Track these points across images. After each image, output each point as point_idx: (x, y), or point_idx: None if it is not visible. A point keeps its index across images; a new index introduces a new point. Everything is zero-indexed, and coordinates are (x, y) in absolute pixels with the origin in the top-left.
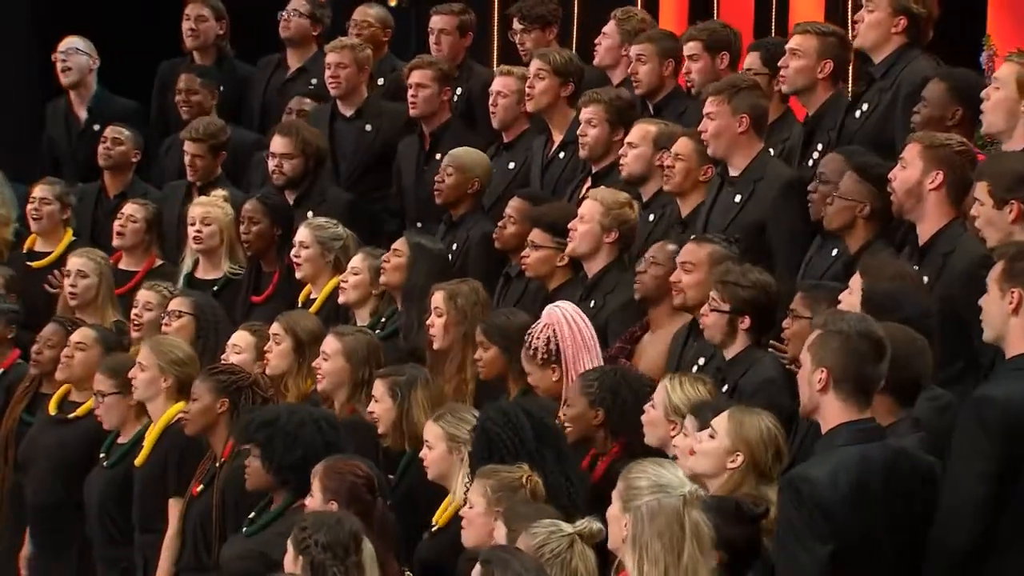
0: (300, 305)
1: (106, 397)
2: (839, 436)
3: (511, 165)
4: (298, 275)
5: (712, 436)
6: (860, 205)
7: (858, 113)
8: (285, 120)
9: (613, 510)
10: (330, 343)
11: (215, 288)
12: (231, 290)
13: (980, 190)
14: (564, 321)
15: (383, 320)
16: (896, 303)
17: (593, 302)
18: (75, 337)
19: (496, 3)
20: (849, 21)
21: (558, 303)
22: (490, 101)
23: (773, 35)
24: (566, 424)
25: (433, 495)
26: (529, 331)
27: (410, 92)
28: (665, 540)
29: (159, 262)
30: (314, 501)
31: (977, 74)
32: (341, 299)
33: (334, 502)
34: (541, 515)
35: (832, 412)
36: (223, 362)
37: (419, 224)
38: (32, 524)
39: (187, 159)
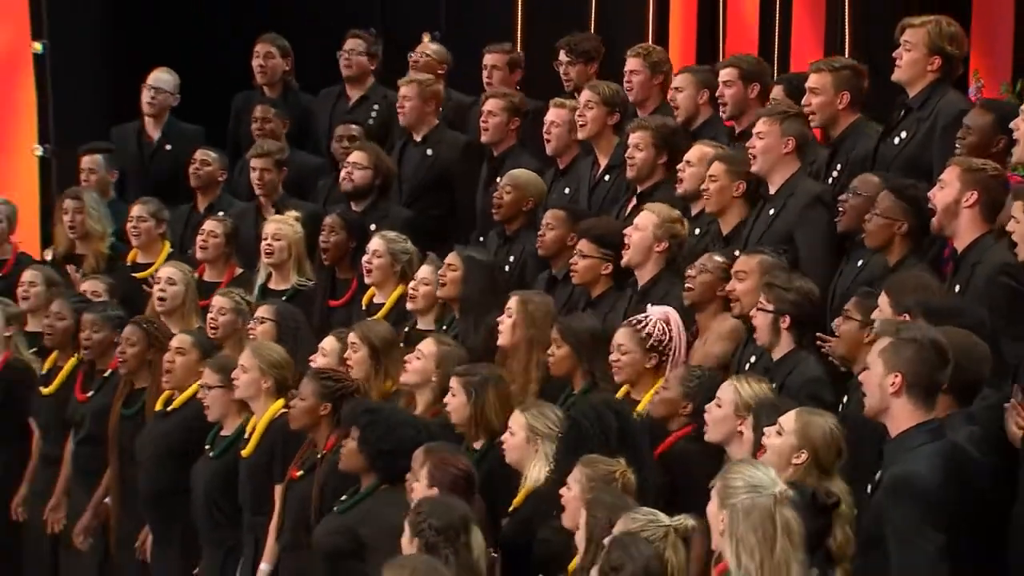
0: (364, 308)
1: (212, 390)
2: (916, 437)
3: (567, 190)
4: (367, 280)
5: (779, 433)
6: (899, 223)
7: (896, 140)
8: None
9: (712, 507)
10: (428, 345)
11: (284, 298)
12: (300, 300)
13: (1017, 208)
14: (676, 324)
15: (444, 328)
16: (956, 311)
17: (649, 306)
18: (175, 343)
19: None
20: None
21: (668, 309)
22: (544, 130)
23: (776, 66)
24: (655, 402)
25: (505, 482)
26: (644, 317)
27: (482, 119)
28: (759, 535)
29: (239, 271)
30: (419, 486)
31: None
32: (409, 306)
33: (436, 489)
34: (620, 503)
35: (903, 414)
36: (332, 368)
37: (481, 239)
38: (143, 510)
39: (254, 175)
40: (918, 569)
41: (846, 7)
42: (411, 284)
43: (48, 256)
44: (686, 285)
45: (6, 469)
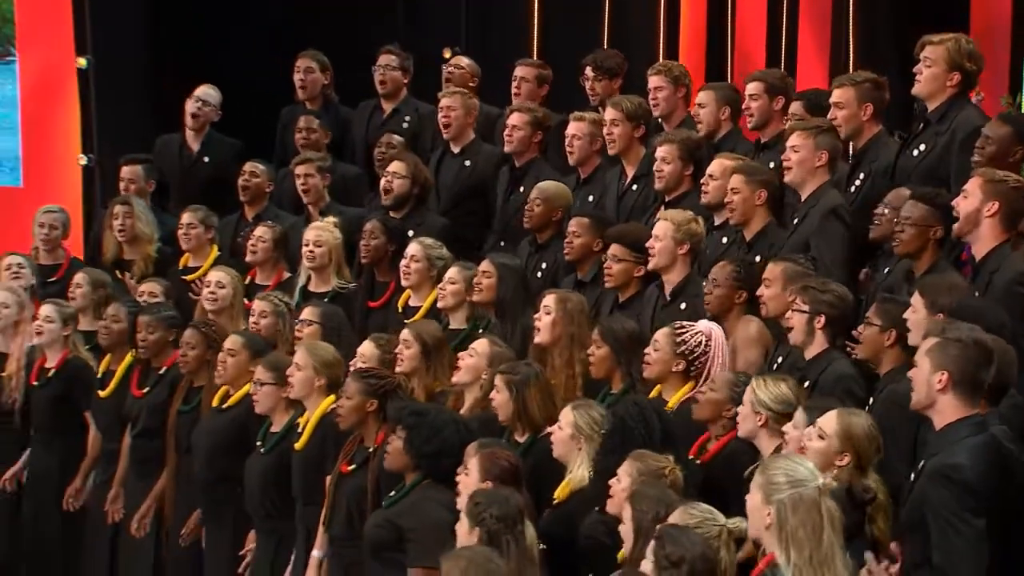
0: (400, 310)
1: (264, 386)
2: (960, 430)
3: (590, 197)
4: (404, 283)
5: (821, 437)
6: (933, 228)
7: (915, 152)
8: (402, 149)
9: (754, 501)
10: (482, 345)
11: (324, 300)
12: (339, 302)
13: None
14: (718, 341)
15: (480, 330)
16: (978, 314)
17: (684, 304)
18: (227, 344)
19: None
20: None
21: (713, 326)
22: (566, 143)
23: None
24: (701, 402)
25: (548, 476)
26: (688, 326)
27: (506, 131)
28: (808, 528)
29: (287, 275)
30: (469, 479)
31: None
32: (439, 304)
33: (488, 481)
34: (665, 497)
35: (949, 409)
36: (374, 367)
37: (503, 243)
38: (198, 497)
39: (299, 182)
40: (958, 551)
41: (851, 25)
42: (440, 284)
43: None
44: (705, 298)
45: (64, 461)
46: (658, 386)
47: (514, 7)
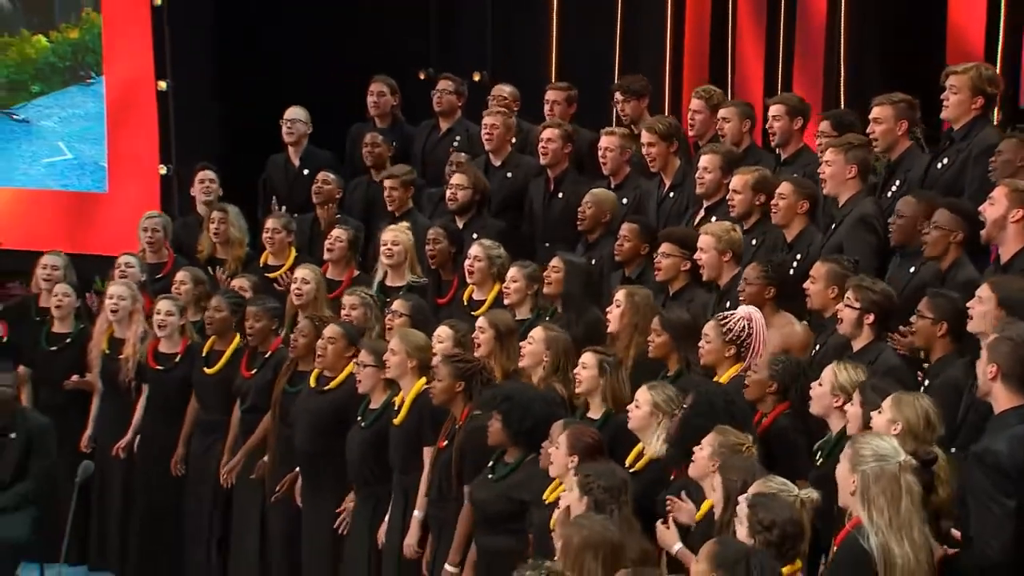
0: (466, 303)
1: (366, 368)
2: (1010, 418)
3: (624, 201)
4: (469, 280)
5: (879, 412)
6: (955, 233)
7: (939, 165)
8: (465, 163)
9: (842, 471)
10: (538, 332)
11: (399, 293)
12: (412, 293)
13: None
14: (758, 323)
15: (547, 318)
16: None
17: (728, 303)
18: (327, 333)
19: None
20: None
21: (751, 309)
22: (599, 155)
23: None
24: (749, 384)
25: (619, 448)
26: (730, 315)
27: (541, 145)
28: (888, 496)
29: (356, 272)
30: (559, 453)
31: None
32: (506, 301)
33: (575, 456)
34: (751, 468)
35: (1001, 398)
36: (461, 352)
37: (547, 244)
38: (300, 466)
39: (386, 193)
40: (989, 526)
41: (842, 51)
42: (504, 284)
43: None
44: (739, 295)
45: (173, 432)
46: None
47: (535, 32)
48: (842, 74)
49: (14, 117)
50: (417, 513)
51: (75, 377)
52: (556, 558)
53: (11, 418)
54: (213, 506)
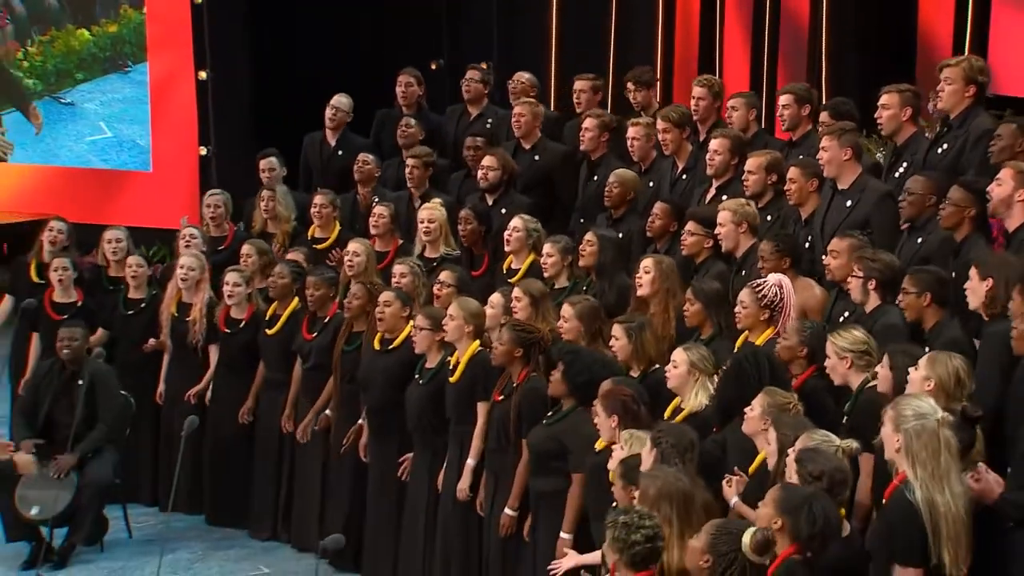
0: (504, 272)
1: (422, 331)
2: None
3: (651, 184)
4: (507, 248)
5: (916, 369)
6: (968, 209)
7: (940, 150)
8: (492, 146)
9: (887, 431)
10: (567, 310)
11: (435, 264)
12: (446, 264)
13: None
14: (788, 288)
15: (584, 288)
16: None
17: (744, 272)
18: (382, 298)
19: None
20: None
21: (782, 276)
22: (628, 143)
23: (765, 90)
24: (779, 348)
25: (655, 402)
26: (760, 282)
27: (581, 133)
28: (929, 451)
29: (400, 243)
30: (600, 417)
31: None
32: (546, 274)
33: (615, 416)
34: (800, 423)
35: None
36: (523, 321)
37: (582, 220)
38: (368, 420)
39: (408, 171)
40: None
41: (823, 50)
42: (542, 260)
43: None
44: (760, 268)
45: (241, 387)
46: (745, 332)
47: (535, 26)
48: (824, 71)
49: (61, 101)
50: (470, 461)
51: (152, 341)
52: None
53: (79, 367)
54: (279, 456)
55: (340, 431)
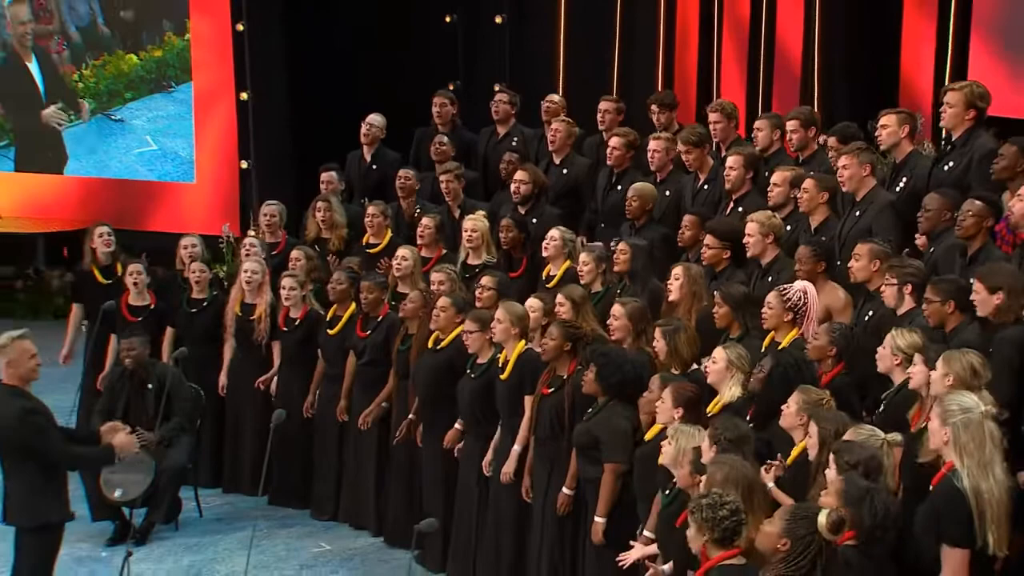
0: (544, 278)
1: (472, 334)
2: None
3: (667, 193)
4: (544, 255)
5: (935, 368)
6: (987, 219)
7: (946, 168)
8: (525, 162)
9: (934, 424)
10: (618, 309)
11: (477, 270)
12: (488, 270)
13: None
14: (812, 295)
15: (618, 291)
16: None
17: (770, 279)
18: (440, 303)
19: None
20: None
21: (807, 283)
22: (648, 156)
23: (760, 109)
24: (811, 348)
25: None
26: (787, 286)
27: (608, 150)
28: (976, 441)
29: (444, 251)
30: (665, 406)
31: None
32: (582, 280)
33: (681, 408)
34: (839, 418)
35: None
36: (571, 320)
37: (603, 224)
38: (421, 410)
39: (443, 186)
40: None
41: (815, 70)
42: (579, 268)
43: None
44: (796, 272)
45: (303, 380)
46: (771, 333)
47: (543, 50)
48: (816, 97)
49: (112, 117)
50: (516, 447)
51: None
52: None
53: (145, 372)
54: (338, 444)
55: (396, 422)
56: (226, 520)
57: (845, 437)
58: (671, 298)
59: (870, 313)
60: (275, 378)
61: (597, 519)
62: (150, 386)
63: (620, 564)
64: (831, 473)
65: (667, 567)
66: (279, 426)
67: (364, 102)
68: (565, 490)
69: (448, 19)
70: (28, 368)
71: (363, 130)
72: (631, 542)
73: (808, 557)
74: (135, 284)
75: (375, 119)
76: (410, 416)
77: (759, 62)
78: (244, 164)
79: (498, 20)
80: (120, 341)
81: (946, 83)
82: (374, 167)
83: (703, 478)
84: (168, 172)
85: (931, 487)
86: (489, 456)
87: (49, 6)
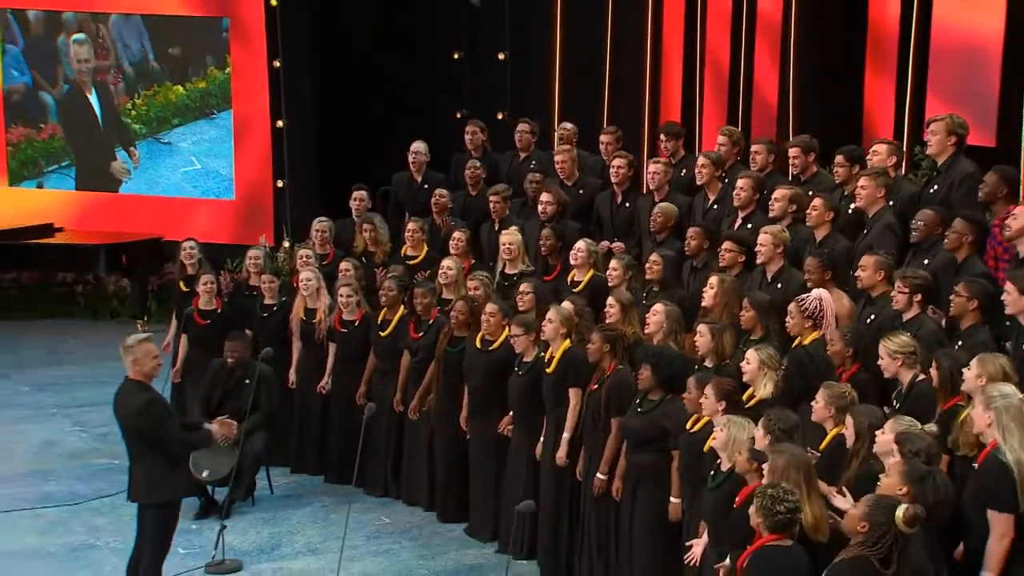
0: (569, 283)
1: (519, 337)
2: None
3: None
4: (572, 262)
5: (968, 369)
6: (967, 236)
7: (932, 190)
8: (548, 183)
9: (978, 410)
10: (658, 307)
11: (515, 278)
12: (523, 278)
13: None
14: (827, 301)
15: (644, 296)
16: None
17: (780, 285)
18: (488, 309)
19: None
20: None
21: (822, 291)
22: (648, 177)
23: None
24: (831, 352)
25: None
26: (804, 296)
27: (612, 170)
28: (1016, 421)
29: (473, 261)
30: (709, 401)
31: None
32: (610, 284)
33: (723, 401)
34: (871, 411)
35: None
36: (610, 324)
37: (615, 238)
38: (470, 403)
39: (492, 205)
40: None
41: (790, 94)
42: (608, 272)
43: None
44: (805, 279)
45: (357, 376)
46: (797, 338)
47: (541, 83)
48: (790, 132)
49: (161, 141)
50: (565, 435)
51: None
52: (765, 479)
53: (245, 369)
54: (389, 433)
55: (442, 411)
56: (294, 497)
57: (886, 428)
58: (704, 303)
59: (871, 316)
60: (329, 376)
61: (673, 500)
62: (247, 381)
63: (689, 562)
64: (892, 460)
65: (726, 563)
66: (370, 418)
67: (383, 129)
68: (599, 475)
69: (456, 55)
70: (151, 366)
71: (410, 157)
72: (675, 513)
73: (886, 544)
74: (206, 291)
75: (419, 147)
76: (462, 414)
77: (738, 97)
78: (279, 183)
79: (500, 56)
80: (226, 343)
81: (905, 135)
82: (425, 187)
83: (764, 465)
84: (210, 189)
85: (976, 465)
86: (540, 445)
87: (106, 44)
